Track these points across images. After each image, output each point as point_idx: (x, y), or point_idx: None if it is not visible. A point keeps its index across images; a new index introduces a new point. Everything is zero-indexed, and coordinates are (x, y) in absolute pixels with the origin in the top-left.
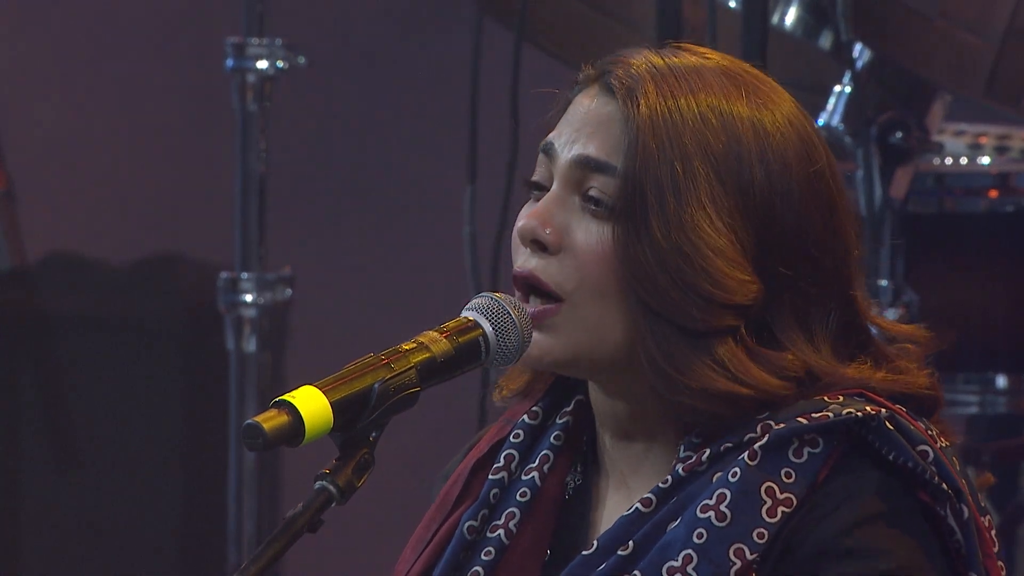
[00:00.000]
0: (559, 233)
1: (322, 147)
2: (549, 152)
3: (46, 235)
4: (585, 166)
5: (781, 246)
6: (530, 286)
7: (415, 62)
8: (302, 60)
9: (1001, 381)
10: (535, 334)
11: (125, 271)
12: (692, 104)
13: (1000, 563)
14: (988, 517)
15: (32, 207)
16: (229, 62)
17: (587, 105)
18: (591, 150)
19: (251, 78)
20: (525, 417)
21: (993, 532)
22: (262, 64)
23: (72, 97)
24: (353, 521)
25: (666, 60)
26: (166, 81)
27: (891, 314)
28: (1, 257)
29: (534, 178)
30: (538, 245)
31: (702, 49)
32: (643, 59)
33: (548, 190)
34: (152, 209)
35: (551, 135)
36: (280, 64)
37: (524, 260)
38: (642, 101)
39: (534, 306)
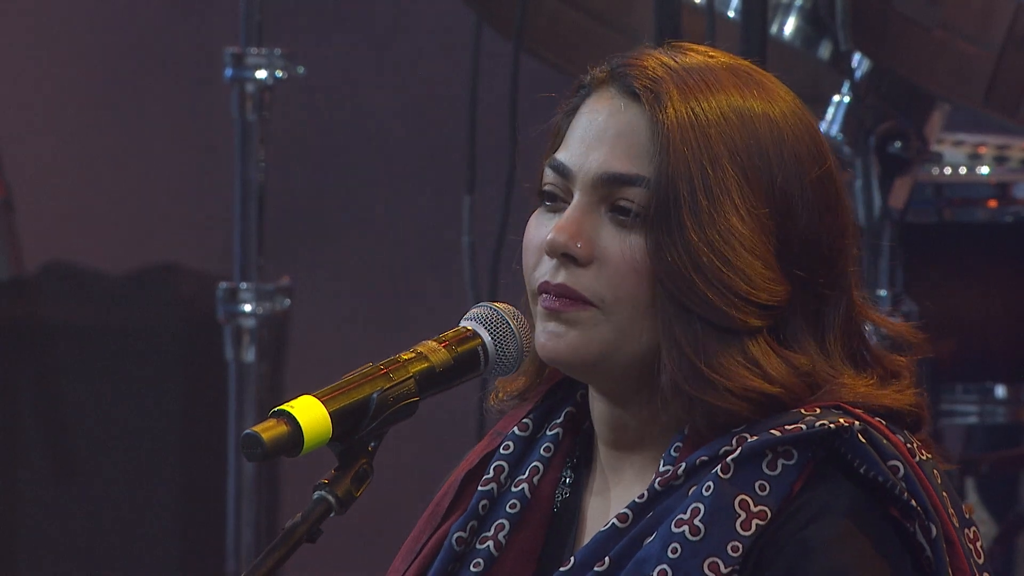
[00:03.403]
0: (590, 245)
1: (321, 157)
2: (563, 172)
3: (45, 245)
4: (612, 182)
5: (799, 247)
6: (561, 295)
7: (414, 71)
8: (301, 70)
9: (1000, 391)
10: (565, 329)
11: (124, 281)
12: (714, 105)
13: (985, 575)
14: (974, 529)
15: (31, 217)
16: (228, 72)
17: (604, 112)
18: (617, 166)
19: (250, 88)
20: (515, 429)
21: (979, 544)
22: (261, 74)
23: (70, 107)
24: (352, 530)
25: (678, 61)
26: (165, 91)
27: None
28: (0, 266)
29: (547, 188)
30: (568, 258)
31: (701, 48)
32: (656, 61)
33: (562, 201)
34: (151, 219)
35: (561, 154)
36: (279, 74)
37: (552, 272)
38: (668, 105)
39: (557, 299)
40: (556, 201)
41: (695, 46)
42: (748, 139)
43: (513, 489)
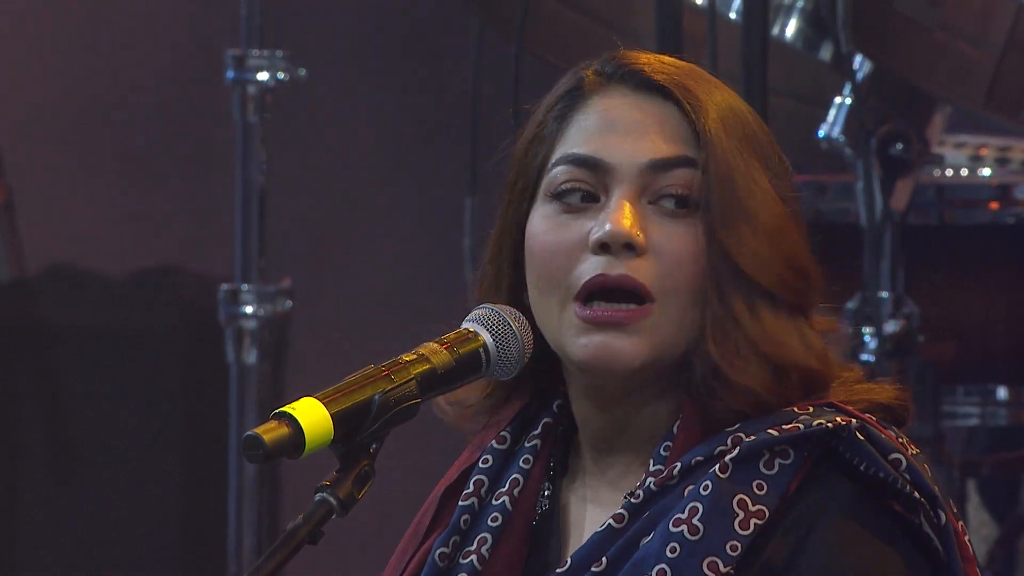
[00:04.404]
0: (645, 235)
1: (322, 159)
2: (594, 165)
3: (46, 246)
4: (660, 168)
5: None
6: (613, 291)
7: (415, 73)
8: (302, 72)
9: (1001, 393)
10: (621, 337)
11: (125, 282)
12: (719, 95)
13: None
14: (960, 523)
15: (32, 218)
16: (230, 74)
17: (625, 107)
18: (663, 151)
19: (251, 90)
20: (493, 442)
21: (966, 538)
22: (262, 76)
23: (71, 108)
24: (354, 532)
25: (663, 59)
26: (167, 92)
27: (891, 326)
28: (1, 268)
29: (571, 198)
30: (628, 249)
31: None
32: (654, 59)
33: (588, 198)
34: (152, 220)
35: (583, 148)
36: (280, 76)
37: (606, 265)
38: (696, 94)
39: (614, 309)
40: (580, 200)
41: (651, 53)
42: (749, 125)
43: (494, 502)
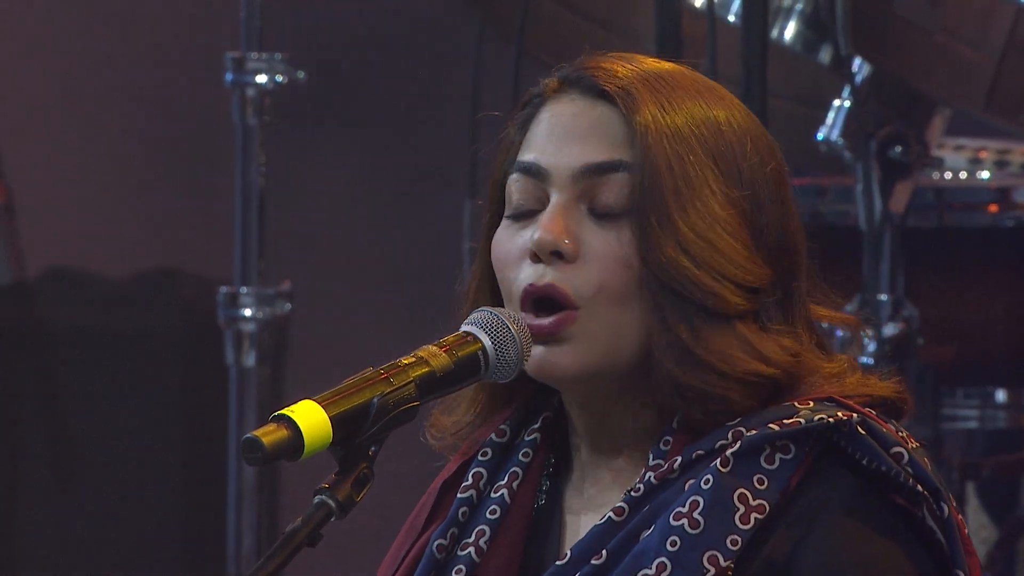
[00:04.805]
0: (576, 242)
1: (321, 161)
2: (535, 172)
3: (46, 248)
4: (594, 173)
5: (766, 234)
6: (545, 299)
7: (415, 76)
8: (301, 75)
9: (1000, 395)
10: (555, 348)
11: (125, 285)
12: (677, 99)
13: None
14: (960, 517)
15: (32, 220)
16: (229, 76)
17: (568, 113)
18: (597, 155)
19: (251, 92)
20: (493, 435)
21: (965, 531)
22: (261, 78)
23: (71, 110)
24: (352, 534)
25: (633, 64)
26: (166, 95)
27: (891, 329)
28: (1, 270)
29: (518, 206)
30: (557, 257)
31: (644, 56)
32: (614, 64)
33: (534, 209)
34: (152, 223)
35: (528, 156)
36: (279, 78)
37: (537, 275)
38: (639, 98)
39: (548, 319)
40: (526, 209)
41: (636, 55)
42: (713, 129)
43: (493, 495)
